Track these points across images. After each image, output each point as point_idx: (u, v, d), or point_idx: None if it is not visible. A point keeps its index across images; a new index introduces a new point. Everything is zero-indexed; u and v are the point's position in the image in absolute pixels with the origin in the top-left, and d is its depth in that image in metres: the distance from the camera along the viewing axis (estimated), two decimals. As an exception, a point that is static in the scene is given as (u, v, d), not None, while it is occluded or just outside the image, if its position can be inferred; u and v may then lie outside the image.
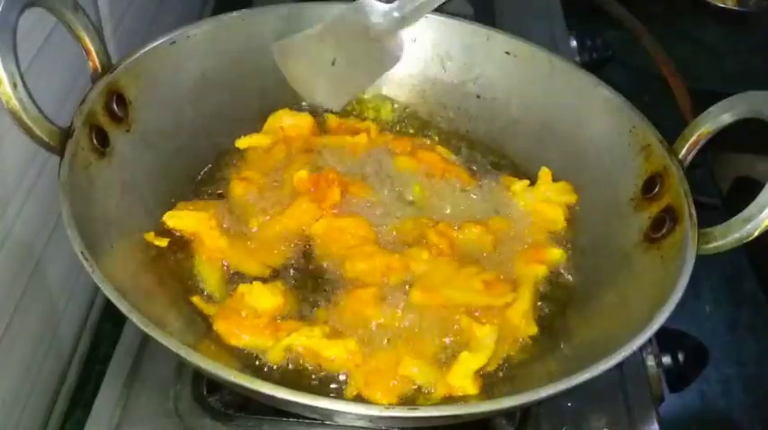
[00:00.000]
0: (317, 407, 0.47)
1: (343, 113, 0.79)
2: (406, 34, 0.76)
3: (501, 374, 0.59)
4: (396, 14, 0.75)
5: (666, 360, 0.73)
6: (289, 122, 0.75)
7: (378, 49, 0.77)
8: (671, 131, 0.65)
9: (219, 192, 0.70)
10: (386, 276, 0.64)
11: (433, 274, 0.64)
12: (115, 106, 0.62)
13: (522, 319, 0.62)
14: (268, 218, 0.67)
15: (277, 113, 0.75)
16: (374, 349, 0.59)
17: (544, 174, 0.72)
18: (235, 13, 0.73)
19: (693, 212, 0.59)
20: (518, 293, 0.63)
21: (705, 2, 1.24)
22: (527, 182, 0.72)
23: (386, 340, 0.60)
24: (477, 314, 0.62)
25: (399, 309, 0.62)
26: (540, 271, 0.66)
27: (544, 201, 0.71)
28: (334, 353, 0.57)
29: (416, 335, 0.60)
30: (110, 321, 0.74)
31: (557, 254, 0.67)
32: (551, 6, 1.16)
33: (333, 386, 0.57)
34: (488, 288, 0.63)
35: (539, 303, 0.65)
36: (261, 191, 0.69)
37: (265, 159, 0.73)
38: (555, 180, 0.72)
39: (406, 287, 0.63)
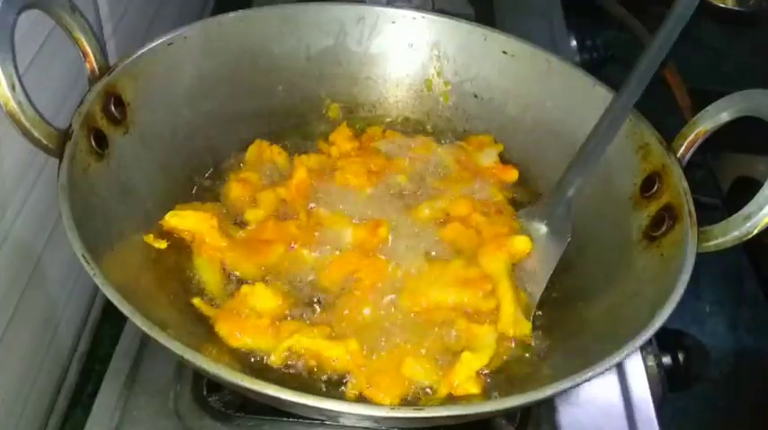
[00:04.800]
0: (323, 409, 0.47)
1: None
2: (404, 39, 0.77)
3: (502, 374, 0.59)
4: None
5: (666, 360, 0.73)
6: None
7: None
8: (671, 131, 0.65)
9: (217, 193, 0.70)
10: (381, 281, 0.63)
11: (422, 278, 0.64)
12: (113, 108, 0.62)
13: (512, 323, 0.61)
14: (264, 220, 0.67)
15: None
16: (376, 350, 0.59)
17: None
18: (232, 14, 0.72)
19: (693, 210, 0.59)
20: (498, 296, 0.62)
21: (705, 2, 1.23)
22: None
23: (387, 341, 0.60)
24: (470, 313, 0.62)
25: (399, 310, 0.62)
26: (506, 260, 0.64)
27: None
28: (335, 353, 0.57)
29: (418, 336, 0.60)
30: (110, 321, 0.74)
31: (521, 241, 0.66)
32: (551, 6, 1.16)
33: (335, 386, 0.57)
34: (472, 285, 0.63)
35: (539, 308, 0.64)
36: (258, 192, 0.69)
37: (264, 161, 0.73)
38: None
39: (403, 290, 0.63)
